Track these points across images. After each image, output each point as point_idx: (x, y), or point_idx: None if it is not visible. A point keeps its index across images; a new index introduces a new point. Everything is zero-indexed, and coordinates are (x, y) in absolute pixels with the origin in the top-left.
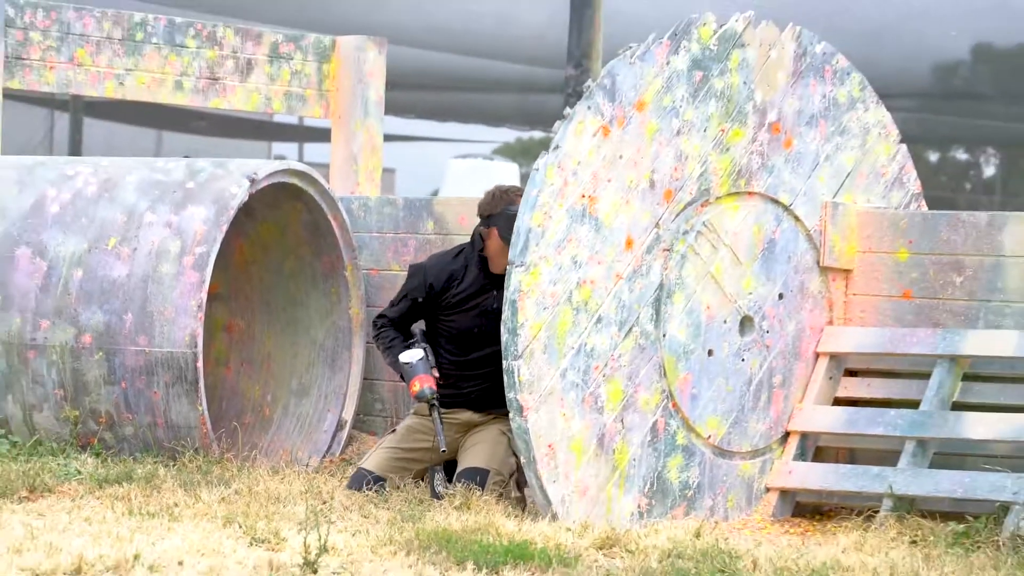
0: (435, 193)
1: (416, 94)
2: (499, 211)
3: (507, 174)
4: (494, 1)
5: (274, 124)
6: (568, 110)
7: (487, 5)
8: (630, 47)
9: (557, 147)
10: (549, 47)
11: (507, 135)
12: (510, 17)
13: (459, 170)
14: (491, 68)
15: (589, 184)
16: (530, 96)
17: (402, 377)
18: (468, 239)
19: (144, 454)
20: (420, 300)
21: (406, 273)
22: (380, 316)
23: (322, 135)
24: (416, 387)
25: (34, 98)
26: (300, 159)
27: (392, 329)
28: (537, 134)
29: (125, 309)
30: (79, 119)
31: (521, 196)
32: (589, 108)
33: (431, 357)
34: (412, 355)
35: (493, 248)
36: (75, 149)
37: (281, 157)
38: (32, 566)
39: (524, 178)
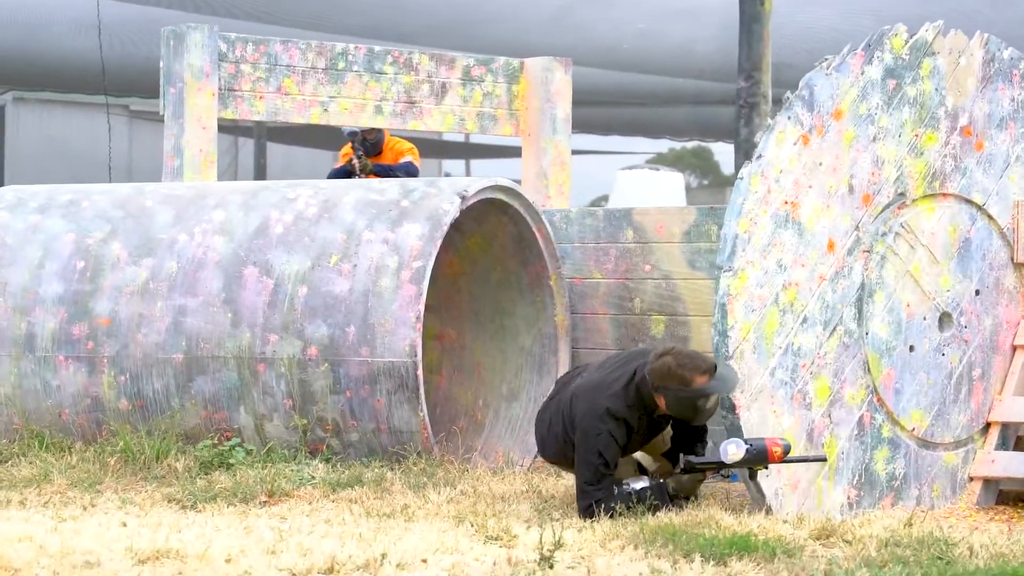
0: (598, 202)
1: (581, 110)
2: (672, 388)
3: (673, 182)
4: (659, 19)
5: (444, 143)
6: (769, 120)
7: (653, 23)
8: (826, 59)
9: (760, 156)
10: (712, 61)
11: (661, 145)
12: (673, 34)
13: (627, 180)
14: (656, 82)
15: (791, 191)
16: (697, 108)
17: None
18: (665, 248)
19: (370, 459)
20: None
21: (608, 281)
22: (597, 503)
23: (488, 152)
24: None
25: (221, 125)
26: (467, 175)
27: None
28: (690, 144)
29: (348, 322)
30: (263, 144)
31: (703, 373)
32: (789, 118)
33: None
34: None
35: (662, 409)
36: (259, 173)
37: (448, 174)
38: (289, 566)
39: (688, 187)
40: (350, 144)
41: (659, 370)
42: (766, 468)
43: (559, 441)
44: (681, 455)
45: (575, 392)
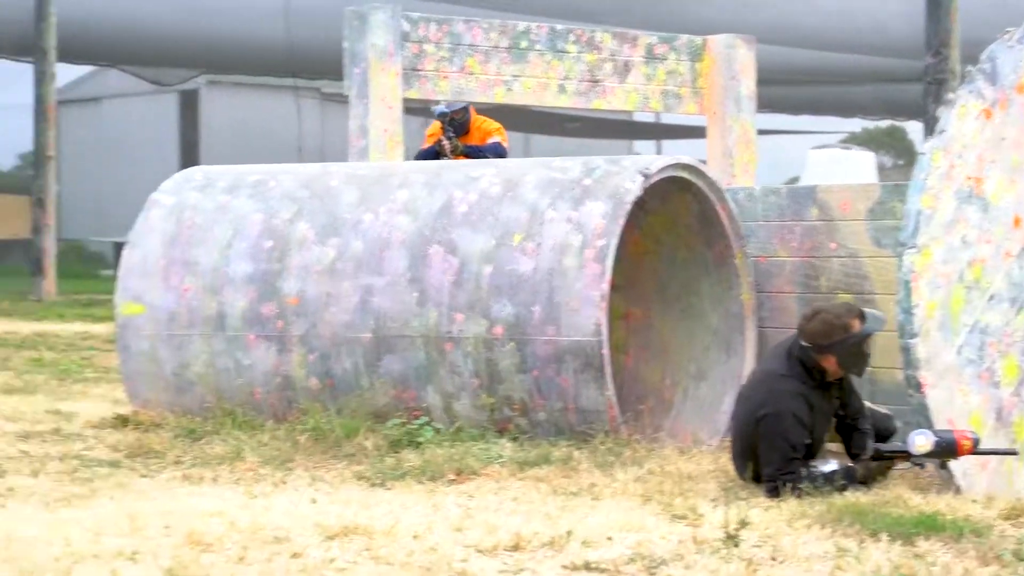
0: (790, 182)
1: (770, 88)
2: (838, 341)
3: (865, 162)
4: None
5: (635, 123)
6: (951, 95)
7: (841, 3)
8: (1008, 31)
9: (942, 131)
10: (901, 39)
11: (855, 125)
12: (865, 11)
13: (818, 160)
14: (846, 61)
15: (974, 166)
16: (887, 86)
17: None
18: (850, 226)
19: (557, 438)
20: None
21: (793, 260)
22: (784, 483)
23: (679, 132)
24: None
25: (412, 108)
26: (658, 155)
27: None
28: (883, 123)
29: (533, 301)
30: None
31: (857, 317)
32: (971, 92)
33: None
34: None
35: (831, 371)
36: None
37: (638, 155)
38: (474, 543)
39: (882, 167)
40: (438, 124)
41: (821, 330)
42: (955, 459)
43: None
44: (870, 442)
45: (743, 395)
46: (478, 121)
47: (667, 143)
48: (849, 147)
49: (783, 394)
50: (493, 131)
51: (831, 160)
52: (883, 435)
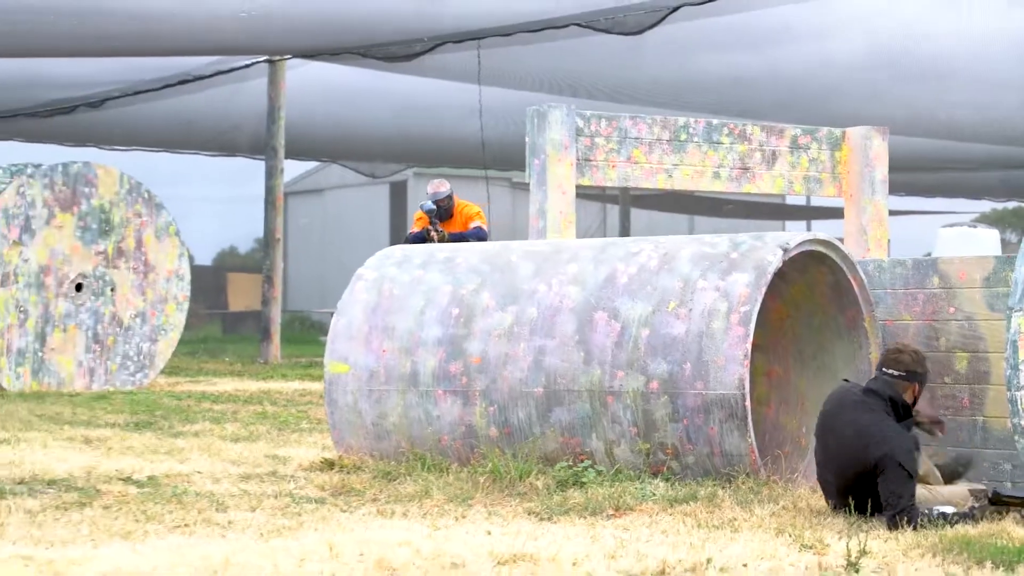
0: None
1: (904, 174)
2: (924, 370)
3: (990, 239)
4: (971, 92)
5: (787, 206)
6: None
7: (964, 94)
8: None
9: None
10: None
11: (984, 206)
12: (987, 104)
13: (948, 237)
14: (973, 149)
15: None
16: (1011, 171)
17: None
18: (967, 293)
19: (704, 479)
20: None
21: (916, 323)
22: (903, 515)
23: (825, 213)
24: None
25: (590, 194)
26: None
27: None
28: (1010, 204)
29: (684, 360)
30: (627, 210)
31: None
32: None
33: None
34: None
35: (914, 396)
36: (625, 234)
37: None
38: (625, 568)
39: (1006, 243)
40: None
41: (915, 359)
42: None
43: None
44: (991, 487)
45: (855, 436)
46: (460, 206)
47: (815, 223)
48: (976, 226)
49: (897, 431)
50: (474, 215)
51: (959, 237)
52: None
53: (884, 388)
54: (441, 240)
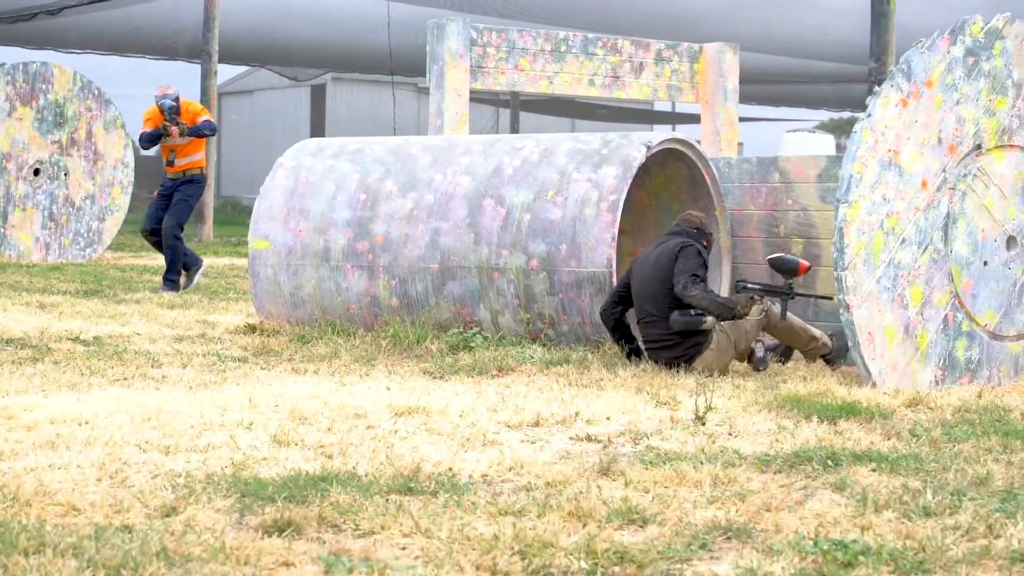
0: None
1: (756, 86)
2: (710, 233)
3: (827, 143)
4: (817, 16)
5: (654, 111)
6: (876, 89)
7: (813, 19)
8: (920, 41)
9: (870, 115)
10: (855, 48)
11: (823, 116)
12: (828, 27)
13: (791, 140)
14: (813, 65)
15: (893, 141)
16: (841, 85)
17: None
18: (802, 187)
19: (576, 345)
20: None
21: (759, 212)
22: (690, 281)
23: (688, 119)
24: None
25: (484, 99)
26: None
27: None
28: (846, 114)
29: (560, 241)
30: (516, 113)
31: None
32: (892, 86)
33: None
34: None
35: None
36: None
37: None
38: (505, 419)
39: (841, 147)
40: (155, 109)
41: (703, 222)
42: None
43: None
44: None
45: (663, 249)
46: (186, 104)
47: (680, 126)
48: (815, 132)
49: (695, 239)
50: (200, 111)
51: (801, 141)
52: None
53: (686, 229)
54: (182, 133)
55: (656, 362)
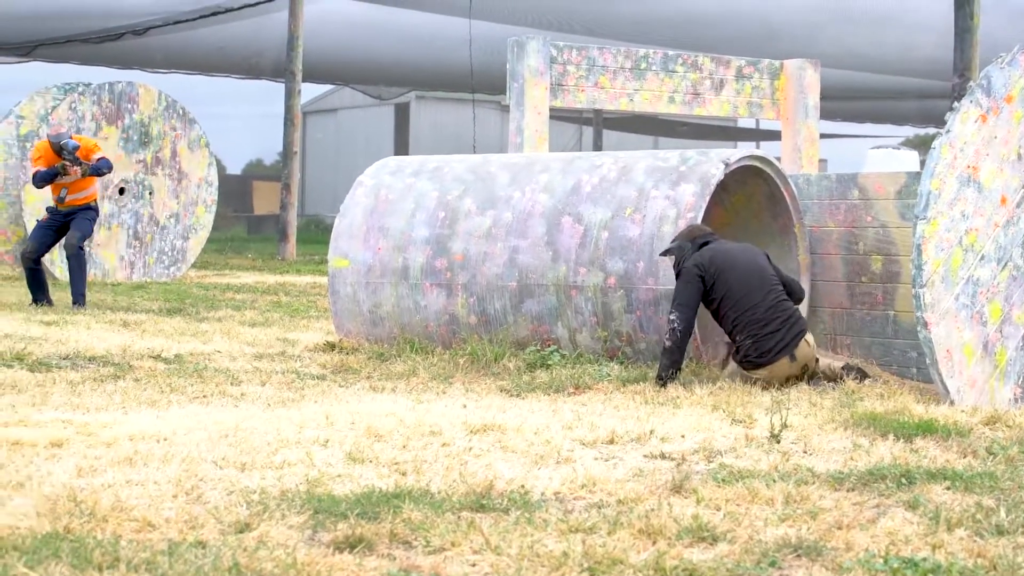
0: None
1: (840, 103)
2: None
3: (911, 159)
4: (900, 31)
5: (737, 128)
6: (956, 104)
7: (896, 35)
8: (1000, 56)
9: (949, 131)
10: (939, 63)
11: (908, 132)
12: (911, 43)
13: (876, 157)
14: (896, 81)
15: (972, 158)
16: (925, 101)
17: None
18: (882, 204)
19: (653, 362)
20: None
21: (839, 229)
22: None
23: (773, 135)
24: None
25: (567, 117)
26: None
27: None
28: (931, 130)
29: (638, 259)
30: (599, 131)
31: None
32: (971, 102)
33: None
34: None
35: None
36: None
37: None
38: (580, 437)
39: (922, 163)
40: (45, 145)
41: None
42: None
43: None
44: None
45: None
46: (82, 141)
47: (763, 143)
48: (899, 148)
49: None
50: (95, 148)
51: (885, 157)
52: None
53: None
54: (84, 173)
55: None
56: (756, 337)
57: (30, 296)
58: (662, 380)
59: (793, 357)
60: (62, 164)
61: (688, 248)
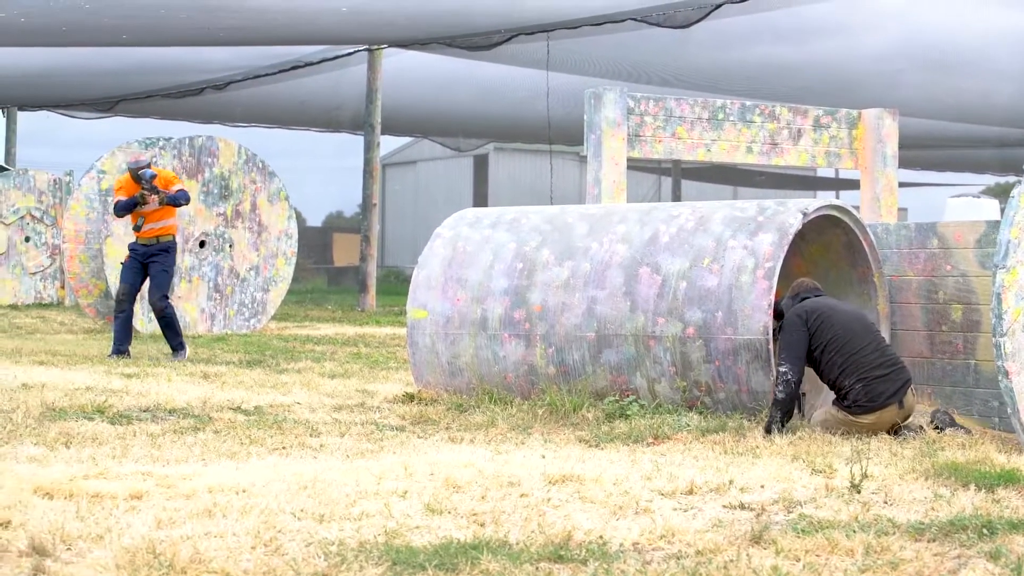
0: None
1: (919, 152)
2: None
3: (991, 208)
4: (978, 80)
5: (816, 177)
6: None
7: (974, 83)
8: None
9: None
10: (1018, 111)
11: (988, 180)
12: (989, 91)
13: (956, 206)
14: (974, 130)
15: None
16: (1005, 149)
17: None
18: (961, 252)
19: (733, 412)
20: None
21: (918, 278)
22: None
23: (852, 185)
24: None
25: (646, 167)
26: None
27: None
28: (1011, 178)
29: (717, 309)
30: (678, 181)
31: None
32: None
33: None
34: None
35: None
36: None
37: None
38: (659, 487)
39: (1003, 212)
40: (127, 178)
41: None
42: None
43: None
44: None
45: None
46: (161, 172)
47: (842, 193)
48: (980, 196)
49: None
50: (174, 179)
51: (965, 206)
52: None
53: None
54: (161, 202)
55: None
56: (866, 381)
57: (112, 346)
58: (770, 431)
59: (901, 404)
60: (140, 193)
61: (791, 305)
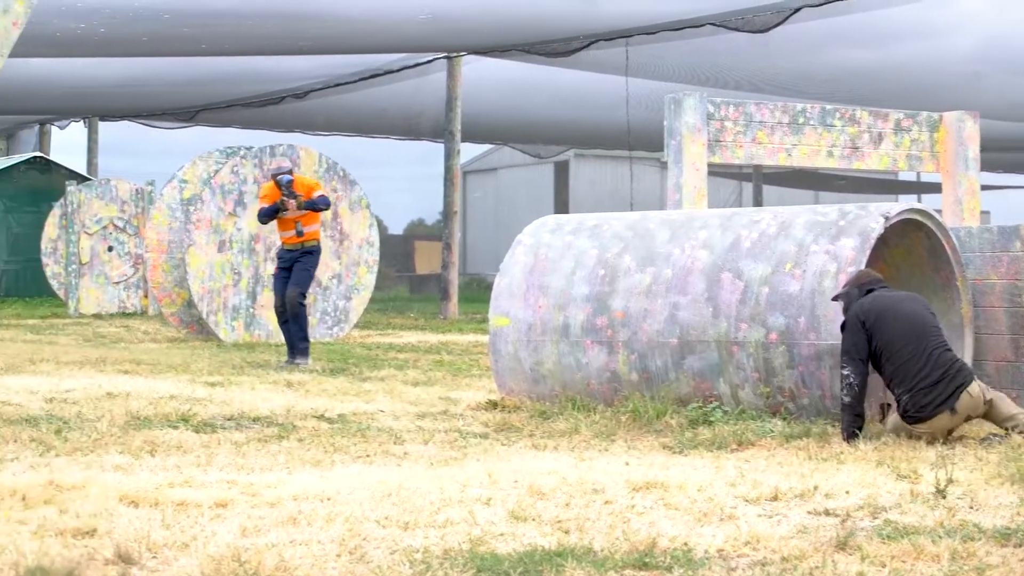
0: None
1: (1002, 154)
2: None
3: None
4: None
5: (898, 181)
6: None
7: None
8: None
9: None
10: None
11: None
12: None
13: None
14: None
15: None
16: None
17: None
18: None
19: (816, 418)
20: None
21: (1001, 282)
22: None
23: (934, 188)
24: None
25: (727, 173)
26: None
27: None
28: None
29: (799, 314)
30: (759, 186)
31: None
32: None
33: None
34: None
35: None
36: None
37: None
38: (743, 494)
39: None
40: (271, 185)
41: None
42: None
43: None
44: None
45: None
46: (301, 179)
47: (925, 196)
48: None
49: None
50: (314, 185)
51: None
52: None
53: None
54: (299, 206)
55: None
56: (912, 391)
57: (287, 355)
58: (853, 436)
59: (954, 411)
60: (281, 199)
61: (855, 294)
